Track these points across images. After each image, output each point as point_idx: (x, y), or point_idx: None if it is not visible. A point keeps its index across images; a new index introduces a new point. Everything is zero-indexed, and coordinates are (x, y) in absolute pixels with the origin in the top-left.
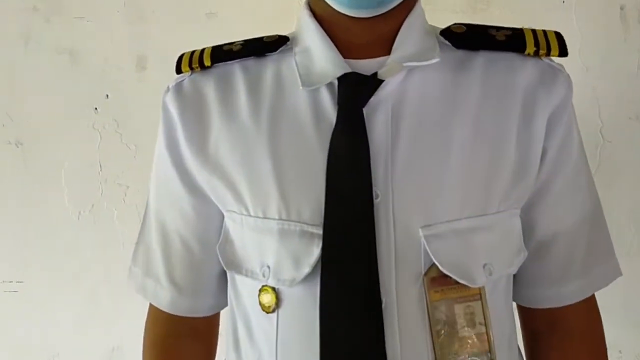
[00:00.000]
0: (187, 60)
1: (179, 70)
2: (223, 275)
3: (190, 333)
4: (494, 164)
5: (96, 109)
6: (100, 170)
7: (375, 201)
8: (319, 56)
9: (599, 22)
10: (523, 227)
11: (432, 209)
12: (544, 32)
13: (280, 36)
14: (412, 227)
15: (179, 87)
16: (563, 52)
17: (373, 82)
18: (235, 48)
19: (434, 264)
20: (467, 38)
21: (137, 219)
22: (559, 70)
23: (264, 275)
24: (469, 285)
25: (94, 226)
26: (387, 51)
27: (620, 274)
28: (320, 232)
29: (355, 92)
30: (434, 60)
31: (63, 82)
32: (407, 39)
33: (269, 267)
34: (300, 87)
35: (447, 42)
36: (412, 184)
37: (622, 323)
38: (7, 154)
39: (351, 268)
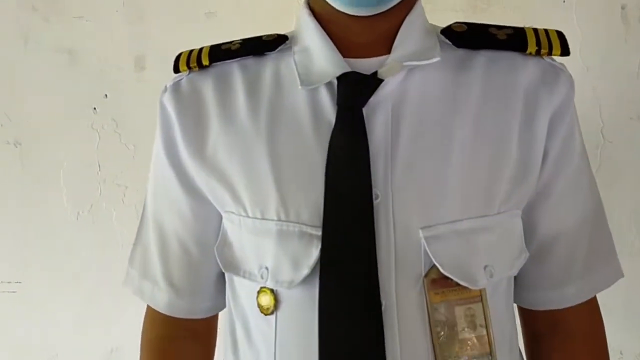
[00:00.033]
0: (185, 59)
1: (176, 70)
2: (221, 276)
3: (188, 335)
4: (495, 164)
5: (95, 108)
6: (99, 170)
7: (375, 202)
8: (318, 55)
9: (600, 21)
10: (524, 228)
11: (433, 209)
12: (546, 31)
13: (279, 35)
14: (412, 228)
15: (176, 86)
16: (565, 52)
17: (373, 82)
18: (233, 47)
19: (434, 265)
20: (468, 37)
21: (136, 219)
22: (560, 70)
23: (262, 277)
24: (470, 287)
25: (92, 226)
26: (387, 50)
27: (622, 276)
28: (320, 233)
29: (354, 91)
30: (434, 60)
31: (62, 82)
32: (408, 38)
33: (267, 268)
34: (299, 87)
35: (447, 41)
36: (412, 184)
37: (623, 324)
38: (6, 154)
39: (350, 270)
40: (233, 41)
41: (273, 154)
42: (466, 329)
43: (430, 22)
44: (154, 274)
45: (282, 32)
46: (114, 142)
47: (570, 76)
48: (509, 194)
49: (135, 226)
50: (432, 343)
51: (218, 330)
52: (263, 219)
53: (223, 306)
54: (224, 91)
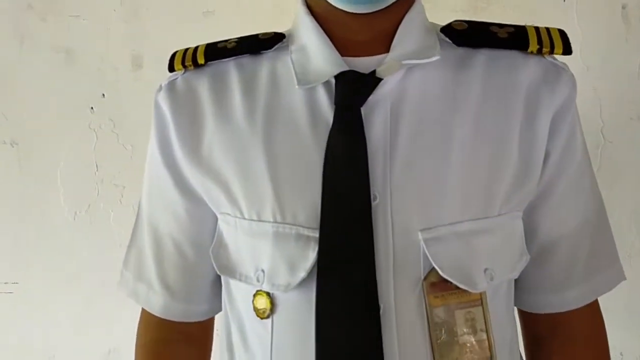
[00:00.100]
0: (180, 58)
1: (171, 69)
2: (217, 279)
3: (184, 338)
4: (496, 164)
5: (92, 108)
6: (97, 170)
7: (373, 203)
8: (315, 54)
9: (600, 21)
10: (525, 230)
11: (432, 211)
12: (547, 29)
13: (276, 33)
14: (411, 230)
15: (171, 85)
16: (567, 50)
17: (371, 81)
18: (229, 45)
19: (433, 268)
20: (469, 35)
21: (134, 219)
22: (562, 69)
23: (258, 280)
24: (470, 290)
25: (90, 227)
26: (386, 48)
27: (624, 278)
28: (317, 235)
29: (353, 90)
30: (434, 58)
31: (59, 82)
32: (407, 36)
33: (263, 271)
34: (296, 86)
35: (447, 39)
36: (411, 184)
37: (624, 325)
38: (3, 154)
39: (348, 273)
40: (229, 40)
41: (269, 153)
42: (466, 333)
43: (430, 20)
44: (148, 277)
45: (279, 31)
46: (112, 142)
47: (572, 76)
48: (509, 195)
49: (132, 227)
50: (432, 347)
51: (214, 333)
52: (259, 220)
53: (219, 309)
54: (219, 90)
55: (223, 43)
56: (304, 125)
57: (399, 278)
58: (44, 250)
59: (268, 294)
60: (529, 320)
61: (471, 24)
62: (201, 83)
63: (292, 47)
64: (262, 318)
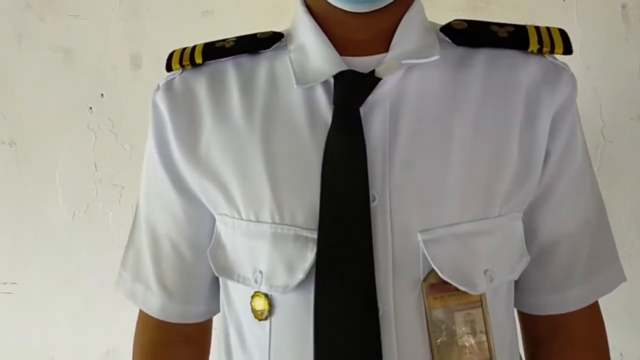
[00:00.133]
0: (178, 57)
1: (169, 68)
2: (215, 280)
3: (182, 339)
4: (496, 164)
5: (91, 108)
6: (95, 170)
7: (372, 204)
8: (314, 53)
9: (600, 20)
10: (525, 231)
11: (432, 212)
12: (548, 29)
13: (274, 32)
14: (411, 231)
15: (169, 85)
16: (567, 50)
17: (370, 81)
18: (227, 45)
19: (433, 269)
20: (468, 35)
21: (132, 220)
22: (563, 69)
23: (256, 281)
24: (470, 292)
25: (89, 227)
26: (385, 48)
27: (625, 280)
28: (315, 236)
29: (352, 90)
30: (433, 58)
31: (57, 81)
32: (406, 36)
33: (261, 272)
34: (295, 86)
35: (447, 38)
36: (410, 185)
37: (624, 324)
38: (1, 153)
39: (347, 274)
40: (227, 39)
41: (268, 153)
42: (466, 335)
43: (429, 20)
44: (146, 277)
45: (278, 30)
46: (111, 142)
47: (573, 75)
48: (509, 195)
49: None
50: (431, 349)
51: (212, 334)
52: (257, 221)
53: (217, 310)
54: (217, 90)
55: (221, 42)
56: (302, 125)
57: (398, 279)
58: (42, 250)
59: (266, 295)
60: (529, 322)
61: (471, 23)
62: (199, 82)
63: (291, 47)
64: (260, 319)
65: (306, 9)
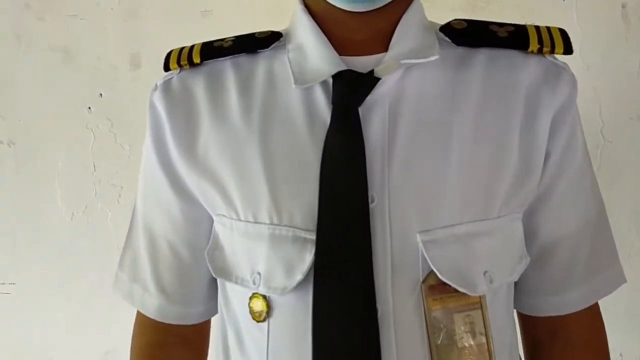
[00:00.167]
0: (176, 57)
1: (167, 68)
2: (213, 281)
3: (179, 341)
4: (495, 164)
5: (90, 108)
6: (94, 170)
7: (371, 205)
8: (312, 53)
9: (600, 20)
10: (525, 232)
11: (431, 213)
12: (548, 28)
13: (272, 32)
14: (410, 232)
15: (167, 85)
16: (568, 50)
17: (369, 80)
18: (225, 44)
19: (432, 271)
20: (468, 34)
21: None
22: (563, 69)
23: (254, 283)
24: (469, 293)
25: (87, 227)
26: (385, 48)
27: (625, 281)
28: (314, 237)
29: (350, 90)
30: (432, 58)
31: (56, 81)
32: (405, 36)
33: (259, 274)
34: (293, 85)
35: (446, 38)
36: (410, 185)
37: (623, 325)
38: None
39: (345, 276)
40: (225, 38)
41: (266, 153)
42: (465, 337)
43: (428, 19)
44: (143, 278)
45: (276, 29)
46: (109, 142)
47: (573, 75)
48: (509, 195)
49: None
50: (430, 351)
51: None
52: (255, 222)
53: (215, 312)
54: (215, 90)
55: (219, 42)
56: (301, 125)
57: (397, 280)
58: (41, 251)
59: (264, 297)
60: (529, 325)
61: (470, 23)
62: (197, 82)
63: (290, 46)
64: (258, 321)
65: (305, 8)
